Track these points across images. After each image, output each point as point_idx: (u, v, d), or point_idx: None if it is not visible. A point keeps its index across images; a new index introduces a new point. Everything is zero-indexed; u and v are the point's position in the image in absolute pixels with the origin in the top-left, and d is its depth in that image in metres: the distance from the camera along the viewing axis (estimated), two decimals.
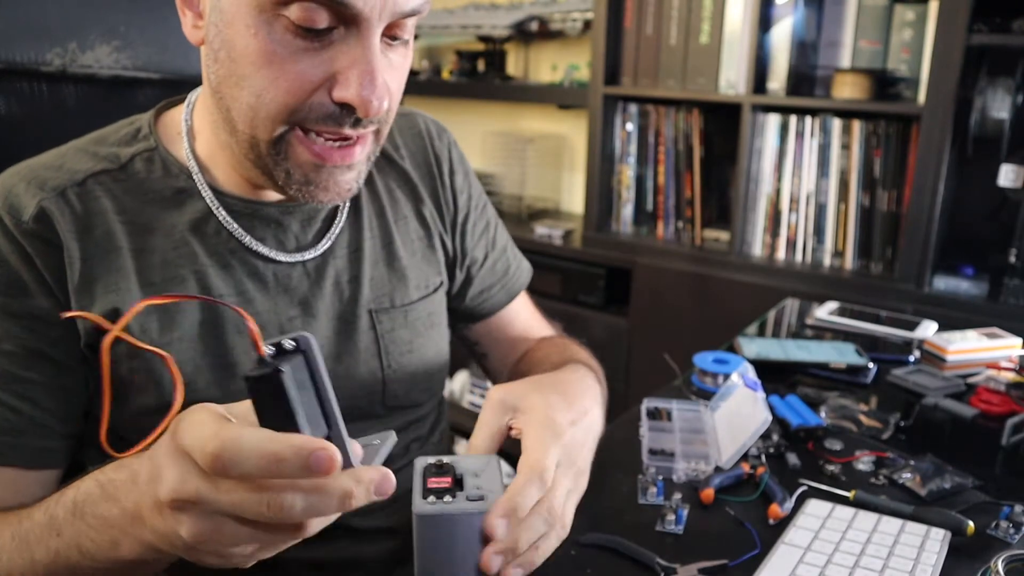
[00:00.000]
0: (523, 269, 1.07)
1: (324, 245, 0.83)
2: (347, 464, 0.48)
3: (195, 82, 1.06)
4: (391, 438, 0.56)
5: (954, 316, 1.72)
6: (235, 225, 0.78)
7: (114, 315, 0.72)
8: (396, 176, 0.91)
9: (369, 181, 0.89)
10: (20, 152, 0.82)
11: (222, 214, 0.77)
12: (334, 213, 0.85)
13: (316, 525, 0.48)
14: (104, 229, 0.73)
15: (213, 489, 0.46)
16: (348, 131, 0.69)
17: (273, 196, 0.80)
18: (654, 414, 1.00)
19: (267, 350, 0.46)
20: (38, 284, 0.71)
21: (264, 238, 0.79)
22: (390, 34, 0.68)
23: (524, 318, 1.07)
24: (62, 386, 0.72)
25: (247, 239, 0.78)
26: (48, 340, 0.71)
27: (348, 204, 0.86)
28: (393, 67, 0.70)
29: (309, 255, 0.82)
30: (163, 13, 1.03)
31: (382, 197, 0.89)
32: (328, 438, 0.47)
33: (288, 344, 0.46)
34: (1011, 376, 1.11)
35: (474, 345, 1.06)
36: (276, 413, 0.45)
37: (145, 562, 0.56)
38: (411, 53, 0.73)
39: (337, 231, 0.84)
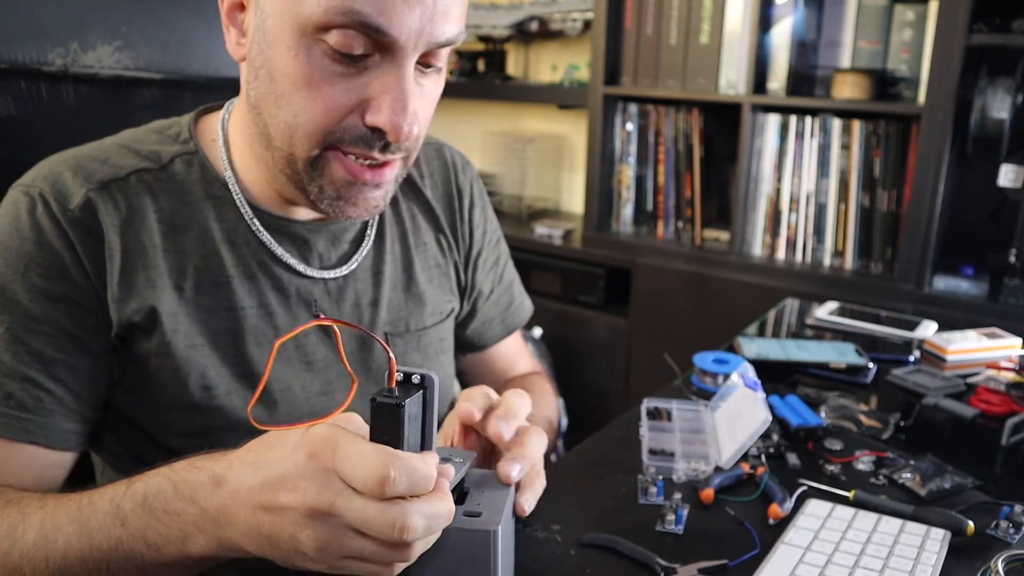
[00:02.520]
0: (524, 307, 1.09)
1: (350, 267, 0.85)
2: None
3: (196, 82, 1.07)
4: (471, 457, 0.64)
5: (954, 316, 1.72)
6: (266, 235, 0.80)
7: (152, 313, 0.74)
8: (419, 204, 0.94)
9: (395, 205, 0.91)
10: (21, 152, 0.83)
11: (255, 225, 0.79)
12: (360, 236, 0.87)
13: (419, 548, 0.55)
14: (143, 225, 0.75)
15: (348, 506, 0.52)
16: (377, 155, 0.71)
17: (302, 214, 0.82)
18: (654, 414, 1.00)
19: (397, 376, 0.55)
20: (78, 270, 0.72)
21: (290, 252, 0.81)
22: (424, 62, 0.70)
23: (511, 355, 1.09)
24: (90, 371, 0.74)
25: (277, 250, 0.80)
26: (83, 326, 0.73)
27: (374, 228, 0.88)
28: (424, 95, 0.72)
29: (332, 274, 0.84)
30: (164, 13, 1.04)
31: (405, 222, 0.91)
32: None
33: (415, 378, 0.55)
34: (1011, 376, 1.12)
35: (459, 374, 1.08)
36: (387, 434, 0.54)
37: (212, 558, 0.59)
38: (443, 81, 0.76)
39: (363, 254, 0.86)
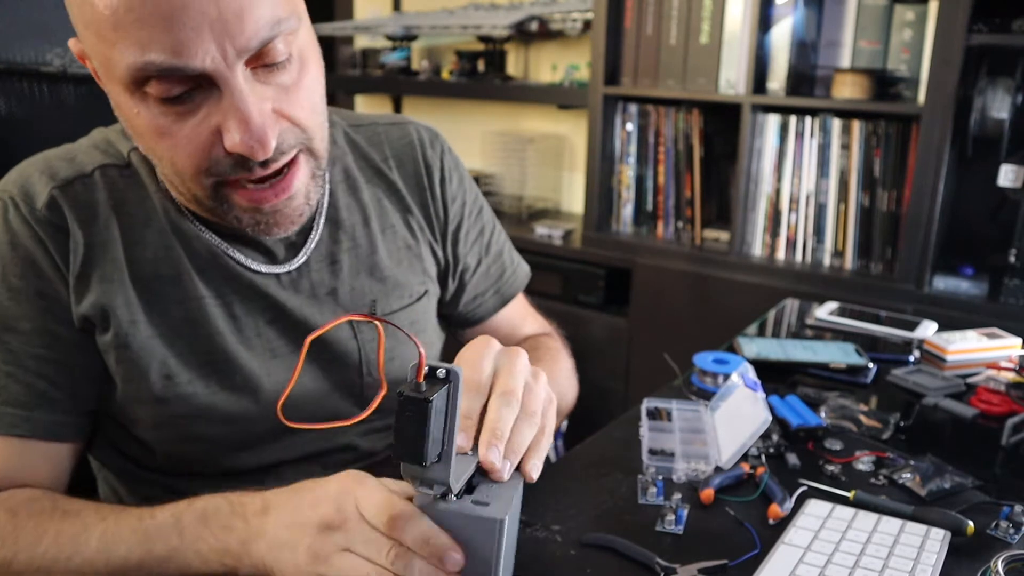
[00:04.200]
0: (519, 273, 1.08)
1: (300, 259, 0.84)
2: (449, 473, 0.58)
3: None
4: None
5: (954, 316, 1.72)
6: (211, 235, 0.80)
7: (105, 309, 0.76)
8: (384, 187, 0.93)
9: (354, 192, 0.90)
10: (20, 152, 0.83)
11: (198, 226, 0.80)
12: (308, 227, 0.86)
13: None
14: (104, 219, 0.77)
15: (357, 525, 0.58)
16: (261, 171, 0.70)
17: None
18: (654, 414, 1.00)
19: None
20: (51, 267, 0.75)
21: (239, 251, 0.81)
22: (260, 64, 0.67)
23: (515, 321, 1.08)
24: (73, 363, 0.76)
25: (225, 248, 0.81)
26: (60, 320, 0.75)
27: (323, 219, 0.87)
28: (286, 90, 0.69)
29: (284, 268, 0.84)
30: None
31: (368, 207, 0.90)
32: (440, 454, 0.56)
33: (441, 372, 0.56)
34: (1011, 376, 1.12)
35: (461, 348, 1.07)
36: (412, 427, 0.55)
37: (236, 571, 0.65)
38: (310, 63, 0.72)
39: (312, 246, 0.85)
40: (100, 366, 0.78)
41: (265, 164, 0.69)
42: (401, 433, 0.55)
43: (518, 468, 0.66)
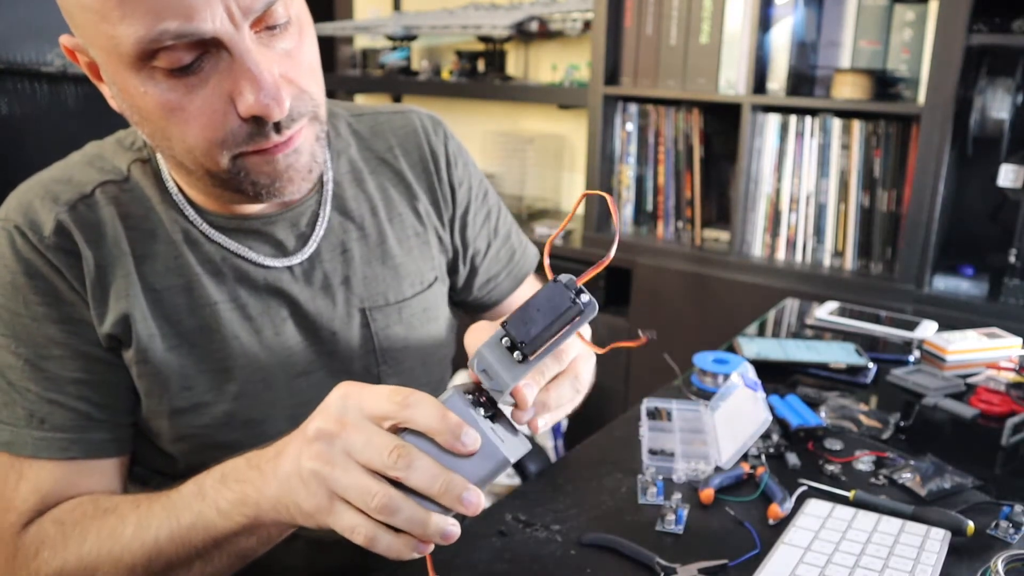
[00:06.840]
0: (528, 254, 1.09)
1: (310, 249, 0.84)
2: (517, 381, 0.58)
3: None
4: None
5: (954, 316, 1.72)
6: (221, 236, 0.80)
7: (126, 323, 0.76)
8: (390, 176, 0.93)
9: (360, 183, 0.90)
10: (20, 151, 0.83)
11: (205, 228, 0.80)
12: (315, 218, 0.86)
13: (402, 519, 0.55)
14: (113, 236, 0.77)
15: (357, 425, 0.56)
16: (276, 138, 0.70)
17: (250, 210, 0.81)
18: (654, 414, 1.00)
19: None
20: (71, 291, 0.75)
21: (250, 247, 0.81)
22: (264, 27, 0.68)
23: None
24: (110, 382, 0.77)
25: (235, 246, 0.81)
26: (89, 341, 0.76)
27: (329, 208, 0.87)
28: (289, 55, 0.70)
29: (296, 260, 0.84)
30: None
31: (374, 197, 0.91)
32: (533, 356, 0.57)
33: (584, 297, 0.58)
34: (1011, 376, 1.12)
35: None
36: (544, 316, 0.57)
37: (256, 523, 0.64)
38: (307, 28, 0.73)
39: (321, 234, 0.85)
40: (131, 381, 0.78)
41: (279, 130, 0.69)
42: (530, 312, 0.56)
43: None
